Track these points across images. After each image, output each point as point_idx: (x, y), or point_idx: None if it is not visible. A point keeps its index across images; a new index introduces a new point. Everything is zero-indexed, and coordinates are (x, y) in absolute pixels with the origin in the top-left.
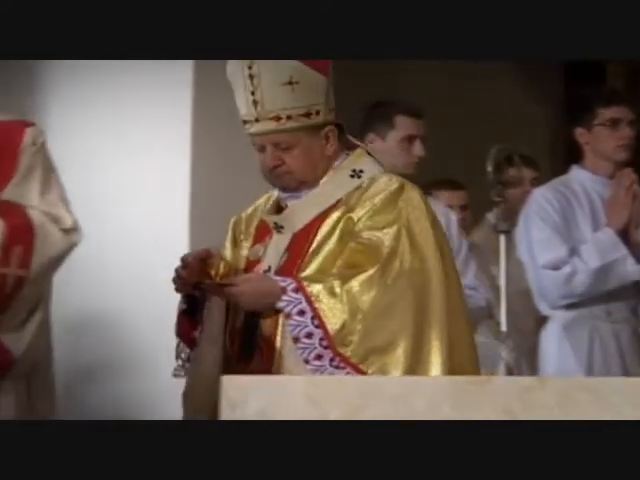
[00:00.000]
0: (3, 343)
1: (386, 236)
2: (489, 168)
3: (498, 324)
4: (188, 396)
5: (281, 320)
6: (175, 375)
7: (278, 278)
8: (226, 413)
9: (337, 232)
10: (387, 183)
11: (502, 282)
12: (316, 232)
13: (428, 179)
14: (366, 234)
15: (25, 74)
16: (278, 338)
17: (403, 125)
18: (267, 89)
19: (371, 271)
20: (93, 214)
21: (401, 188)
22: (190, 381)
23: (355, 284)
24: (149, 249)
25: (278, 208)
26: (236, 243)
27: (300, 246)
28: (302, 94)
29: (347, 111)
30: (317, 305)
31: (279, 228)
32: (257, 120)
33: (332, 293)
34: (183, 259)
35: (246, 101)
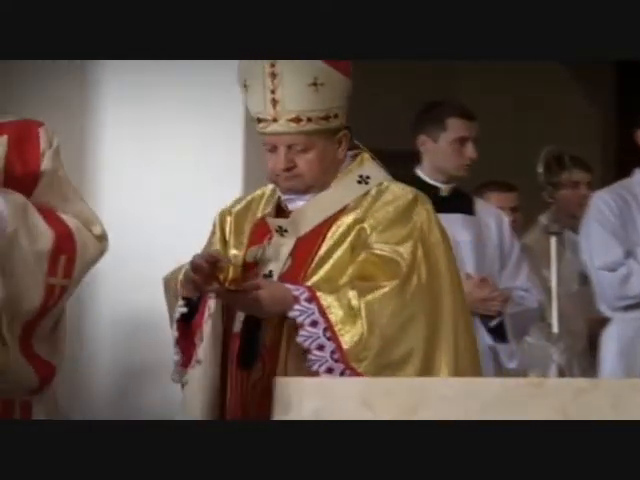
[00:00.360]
0: (40, 356)
1: (403, 250)
2: (540, 170)
3: (550, 326)
4: (191, 401)
5: (286, 328)
6: (173, 379)
7: (291, 286)
8: (279, 415)
9: (348, 241)
10: (401, 193)
11: (553, 284)
12: (323, 238)
13: (479, 180)
14: (381, 246)
15: (77, 73)
16: (282, 347)
17: (455, 127)
18: (290, 89)
19: (391, 286)
20: (143, 213)
21: (415, 200)
22: (193, 386)
23: (375, 298)
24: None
25: (278, 209)
26: (225, 241)
27: (306, 252)
28: (325, 96)
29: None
30: (331, 317)
31: (283, 232)
32: (275, 120)
33: (348, 306)
34: (194, 263)
35: (264, 99)
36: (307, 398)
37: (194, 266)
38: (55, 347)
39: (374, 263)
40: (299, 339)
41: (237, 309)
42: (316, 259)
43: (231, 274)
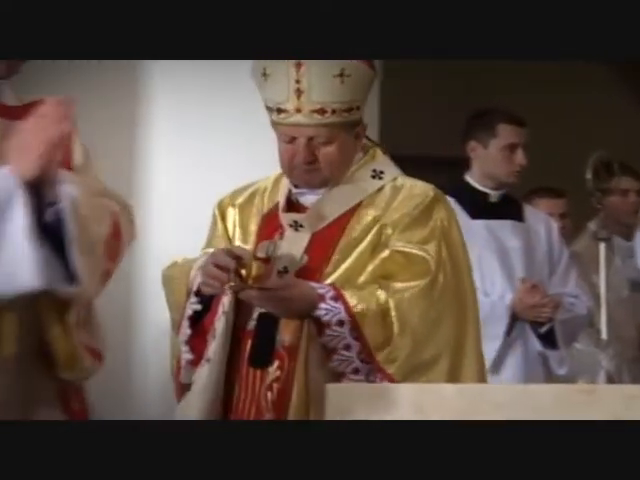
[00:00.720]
0: (85, 342)
1: (428, 249)
2: (588, 176)
3: (598, 332)
4: (192, 399)
5: (305, 327)
6: (182, 380)
7: (315, 284)
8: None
9: (368, 240)
10: (420, 190)
11: (602, 290)
12: (341, 234)
13: (528, 187)
14: (404, 244)
15: (128, 73)
16: (302, 347)
17: (505, 133)
18: (316, 79)
19: (420, 285)
20: (195, 216)
21: (436, 197)
22: (198, 385)
23: (404, 297)
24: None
25: (289, 203)
26: (228, 235)
27: (323, 248)
28: (350, 88)
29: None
30: (358, 316)
31: (298, 227)
32: (299, 111)
33: (377, 304)
34: (219, 260)
35: (287, 89)
36: (359, 403)
37: (218, 263)
38: (95, 334)
39: (398, 261)
40: (324, 339)
41: (261, 307)
42: (334, 256)
43: (254, 271)
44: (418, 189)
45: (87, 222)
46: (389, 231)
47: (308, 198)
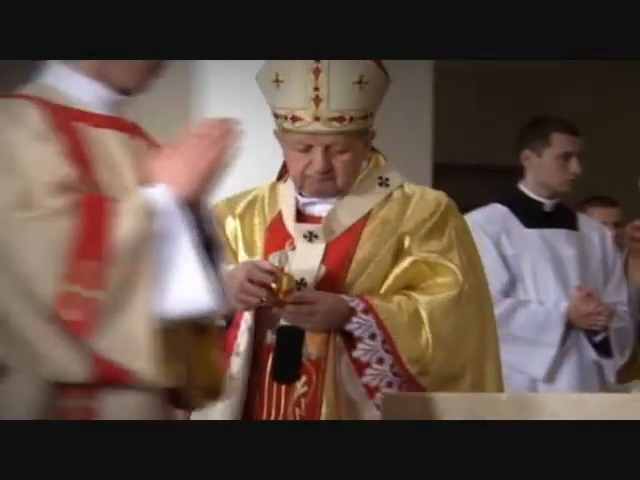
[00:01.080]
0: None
1: (452, 259)
2: None
3: None
4: (219, 417)
5: (332, 340)
6: None
7: (345, 297)
8: None
9: (386, 247)
10: (432, 198)
11: None
12: (355, 244)
13: (582, 196)
14: (427, 255)
15: (182, 73)
16: (330, 360)
17: (559, 142)
18: (336, 87)
19: (449, 295)
20: None
21: (449, 206)
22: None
23: (435, 308)
24: None
25: (297, 212)
26: (230, 246)
27: (340, 258)
28: (367, 95)
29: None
30: (389, 329)
31: (312, 237)
32: (317, 119)
33: (408, 316)
34: (256, 276)
35: (305, 96)
36: (413, 413)
37: (253, 279)
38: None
39: (424, 271)
40: (357, 353)
41: (292, 321)
42: (352, 266)
43: (285, 285)
44: (430, 196)
45: None
46: (408, 240)
47: (318, 208)
